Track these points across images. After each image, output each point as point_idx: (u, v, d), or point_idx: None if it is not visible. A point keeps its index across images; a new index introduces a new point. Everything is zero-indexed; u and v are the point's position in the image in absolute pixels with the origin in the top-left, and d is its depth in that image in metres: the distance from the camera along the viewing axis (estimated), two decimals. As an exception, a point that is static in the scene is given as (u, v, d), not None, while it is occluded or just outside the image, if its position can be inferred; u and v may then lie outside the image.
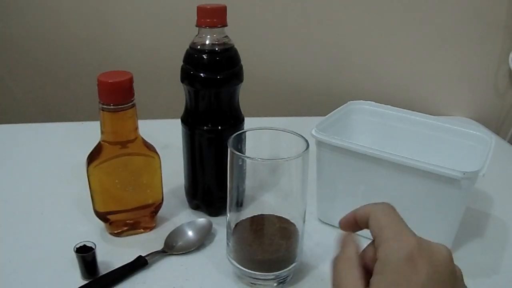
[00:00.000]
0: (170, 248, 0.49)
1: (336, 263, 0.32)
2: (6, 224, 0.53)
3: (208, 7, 0.48)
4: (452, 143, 0.54)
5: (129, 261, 0.46)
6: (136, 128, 0.48)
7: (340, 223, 0.35)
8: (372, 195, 0.49)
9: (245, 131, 0.46)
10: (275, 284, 0.45)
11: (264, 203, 0.44)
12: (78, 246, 0.44)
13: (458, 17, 0.85)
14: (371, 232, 0.31)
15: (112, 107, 0.45)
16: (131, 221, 0.51)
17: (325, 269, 0.46)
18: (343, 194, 0.52)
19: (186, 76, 0.50)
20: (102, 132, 0.47)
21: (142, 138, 0.49)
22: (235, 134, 0.44)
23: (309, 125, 0.50)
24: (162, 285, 0.45)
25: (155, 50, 0.94)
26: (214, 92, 0.50)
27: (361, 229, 0.33)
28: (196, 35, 0.50)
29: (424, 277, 0.27)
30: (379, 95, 0.73)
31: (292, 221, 0.44)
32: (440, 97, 0.92)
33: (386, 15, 0.86)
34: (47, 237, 0.51)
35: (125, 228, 0.51)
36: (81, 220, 0.54)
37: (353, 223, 0.34)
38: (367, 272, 0.30)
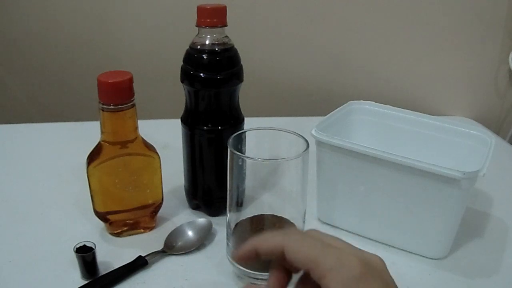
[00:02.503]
0: (170, 248, 0.49)
1: None
2: (6, 224, 0.53)
3: (208, 7, 0.48)
4: (452, 143, 0.54)
5: (129, 261, 0.46)
6: (136, 128, 0.48)
7: (236, 256, 0.33)
8: (372, 195, 0.49)
9: (245, 131, 0.46)
10: (275, 284, 0.45)
11: (264, 203, 0.44)
12: (78, 246, 0.44)
13: (458, 17, 0.85)
14: (295, 265, 0.30)
15: (112, 107, 0.45)
16: (131, 221, 0.51)
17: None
18: (343, 194, 0.52)
19: (186, 76, 0.50)
20: (102, 132, 0.47)
21: (142, 138, 0.49)
22: (235, 134, 0.44)
23: (309, 125, 0.50)
24: (162, 285, 0.45)
25: (155, 50, 0.94)
26: (214, 92, 0.50)
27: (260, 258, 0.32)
28: (196, 35, 0.50)
29: None
30: (379, 95, 0.73)
31: (292, 221, 0.44)
32: (440, 97, 0.92)
33: (386, 15, 0.86)
34: (47, 237, 0.51)
35: (125, 228, 0.51)
36: (81, 220, 0.54)
37: (253, 255, 0.32)
38: None
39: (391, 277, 0.30)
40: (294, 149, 0.42)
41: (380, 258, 0.30)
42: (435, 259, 0.49)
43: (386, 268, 0.30)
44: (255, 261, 0.32)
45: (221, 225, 0.52)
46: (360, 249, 0.30)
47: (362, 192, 0.50)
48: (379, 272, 0.29)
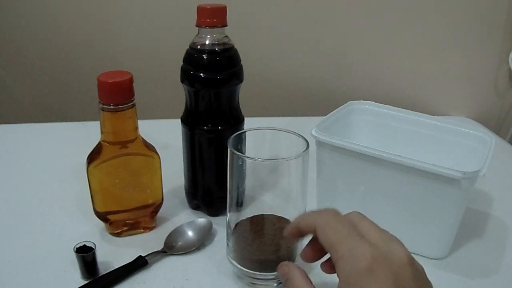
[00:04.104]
0: (170, 248, 0.49)
1: None
2: (6, 224, 0.53)
3: (208, 7, 0.48)
4: (452, 143, 0.54)
5: (129, 261, 0.46)
6: (136, 128, 0.48)
7: (284, 233, 0.36)
8: (372, 195, 0.49)
9: (245, 131, 0.46)
10: (275, 284, 0.45)
11: (264, 203, 0.44)
12: (78, 246, 0.44)
13: (458, 17, 0.85)
14: (322, 244, 0.32)
15: (112, 107, 0.45)
16: (131, 221, 0.51)
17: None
18: (343, 194, 0.52)
19: (186, 76, 0.50)
20: (102, 132, 0.47)
21: (142, 138, 0.49)
22: (235, 134, 0.44)
23: (309, 125, 0.50)
24: (162, 285, 0.45)
25: (155, 50, 0.94)
26: (214, 92, 0.50)
27: (305, 235, 0.35)
28: (196, 35, 0.50)
29: (388, 286, 0.27)
30: (379, 95, 0.73)
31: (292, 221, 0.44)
32: (440, 97, 0.92)
33: (386, 15, 0.86)
34: (47, 237, 0.51)
35: (125, 228, 0.51)
36: (81, 220, 0.54)
37: (297, 232, 0.34)
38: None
39: (413, 273, 0.29)
40: (294, 149, 0.42)
41: (405, 253, 0.29)
42: (435, 259, 0.49)
43: (411, 264, 0.29)
44: (300, 237, 0.35)
45: (221, 225, 0.53)
46: (389, 242, 0.30)
47: (362, 192, 0.50)
48: (395, 267, 0.28)
